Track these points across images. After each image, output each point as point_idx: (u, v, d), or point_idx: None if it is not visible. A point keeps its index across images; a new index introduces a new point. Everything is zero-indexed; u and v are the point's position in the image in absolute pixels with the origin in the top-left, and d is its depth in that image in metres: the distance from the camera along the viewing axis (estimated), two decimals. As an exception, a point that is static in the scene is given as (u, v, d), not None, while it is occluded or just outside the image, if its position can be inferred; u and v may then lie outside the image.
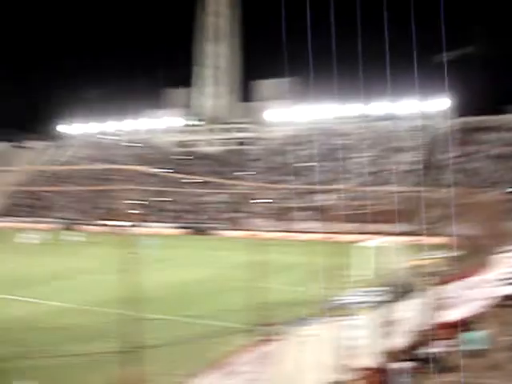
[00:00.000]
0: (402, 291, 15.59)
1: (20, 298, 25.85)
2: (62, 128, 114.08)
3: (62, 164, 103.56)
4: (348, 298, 17.19)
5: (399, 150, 79.35)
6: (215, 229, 71.78)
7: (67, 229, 72.65)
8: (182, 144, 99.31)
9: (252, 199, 72.22)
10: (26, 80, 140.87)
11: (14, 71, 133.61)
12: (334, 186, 65.70)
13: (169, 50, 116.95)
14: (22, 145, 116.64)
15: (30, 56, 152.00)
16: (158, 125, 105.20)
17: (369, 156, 78.48)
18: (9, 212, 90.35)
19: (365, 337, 11.70)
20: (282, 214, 68.12)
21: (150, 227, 69.71)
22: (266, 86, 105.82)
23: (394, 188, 60.38)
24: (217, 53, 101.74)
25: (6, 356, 9.10)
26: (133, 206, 8.05)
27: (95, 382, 13.70)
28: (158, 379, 12.84)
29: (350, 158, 79.44)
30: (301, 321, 11.19)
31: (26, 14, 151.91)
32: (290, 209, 68.13)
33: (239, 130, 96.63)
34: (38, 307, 23.76)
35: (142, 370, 8.09)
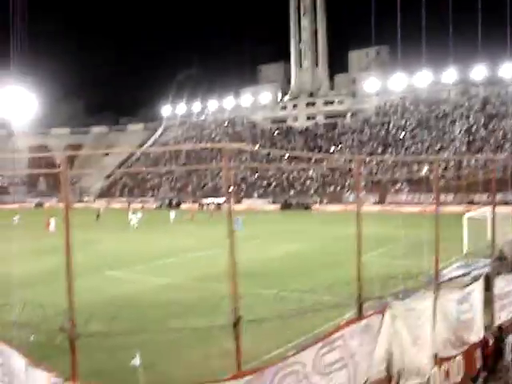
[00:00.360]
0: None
1: (124, 276, 26.85)
2: (160, 110, 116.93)
3: (161, 145, 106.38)
4: (455, 270, 16.60)
5: (503, 116, 75.48)
6: (312, 203, 71.56)
7: (167, 207, 74.62)
8: (276, 120, 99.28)
9: (346, 173, 71.29)
10: (123, 66, 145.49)
11: (113, 56, 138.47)
12: (433, 156, 63.75)
13: (262, 27, 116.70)
14: (121, 128, 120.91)
15: (128, 41, 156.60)
16: (253, 101, 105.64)
17: (468, 123, 75.28)
18: (109, 193, 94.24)
19: (473, 310, 11.23)
20: (379, 186, 66.89)
21: (247, 203, 70.62)
22: (357, 56, 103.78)
23: (498, 156, 57.70)
24: (308, 27, 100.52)
25: (114, 332, 9.42)
26: (231, 184, 8.00)
27: (200, 356, 14.00)
28: (262, 353, 12.95)
29: (448, 126, 76.56)
30: (405, 294, 10.84)
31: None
32: (389, 181, 66.82)
33: (333, 103, 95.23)
34: (143, 283, 24.59)
35: (245, 344, 8.09)
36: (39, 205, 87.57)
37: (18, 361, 8.57)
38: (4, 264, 29.30)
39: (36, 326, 9.51)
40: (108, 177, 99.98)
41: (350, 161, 69.14)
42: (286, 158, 76.67)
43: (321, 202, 71.22)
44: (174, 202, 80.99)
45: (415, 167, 68.27)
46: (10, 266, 27.02)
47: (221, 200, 72.02)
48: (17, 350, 8.37)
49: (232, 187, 8.09)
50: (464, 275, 15.04)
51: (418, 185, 62.61)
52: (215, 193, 78.50)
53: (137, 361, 10.02)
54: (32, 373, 8.40)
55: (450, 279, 13.53)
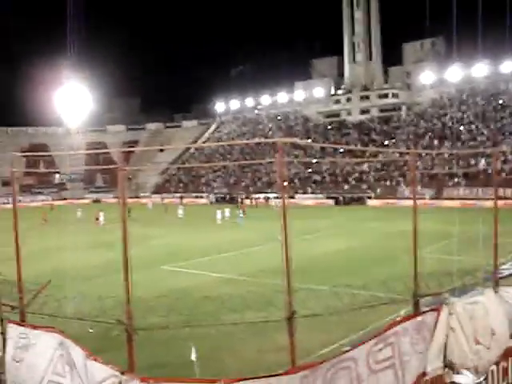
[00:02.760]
0: None
1: (177, 270, 27.24)
2: (214, 106, 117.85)
3: (215, 141, 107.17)
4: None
5: None
6: (364, 198, 70.86)
7: (220, 202, 75.11)
8: (329, 114, 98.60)
9: (401, 167, 70.23)
10: (177, 63, 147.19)
11: (164, 56, 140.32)
12: (492, 149, 62.09)
13: (315, 21, 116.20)
14: (176, 124, 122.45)
15: (182, 38, 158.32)
16: (306, 96, 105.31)
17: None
18: (164, 189, 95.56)
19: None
20: (433, 181, 65.64)
21: (301, 198, 70.47)
22: (411, 48, 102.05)
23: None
24: (361, 20, 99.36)
25: (170, 325, 9.58)
26: (285, 178, 8.01)
27: (254, 351, 14.11)
28: (316, 348, 12.93)
29: (506, 117, 74.38)
30: (462, 291, 10.61)
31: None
32: (444, 175, 65.49)
33: (387, 96, 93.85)
34: (197, 278, 24.91)
35: (299, 339, 8.10)
36: (97, 201, 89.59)
37: (77, 353, 8.81)
38: (62, 257, 30.21)
39: (95, 319, 9.74)
40: (163, 173, 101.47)
41: (406, 154, 68.17)
42: (339, 152, 76.14)
43: (375, 196, 70.43)
44: (227, 198, 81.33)
45: (472, 161, 66.70)
46: (68, 259, 27.84)
47: (273, 195, 72.37)
48: (76, 342, 8.60)
49: (286, 182, 8.09)
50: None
51: (475, 179, 61.20)
52: (269, 188, 78.70)
53: (193, 354, 10.17)
54: (91, 365, 8.62)
55: (510, 275, 13.18)
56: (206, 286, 22.51)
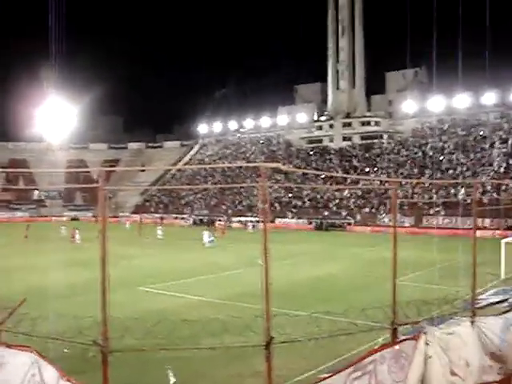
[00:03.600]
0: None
1: (155, 292, 27.00)
2: (197, 127, 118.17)
3: (197, 163, 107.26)
4: (491, 296, 16.26)
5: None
6: (344, 224, 71.11)
7: (201, 225, 74.79)
8: (312, 140, 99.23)
9: (382, 194, 70.79)
10: (161, 83, 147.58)
11: (149, 76, 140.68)
12: (471, 180, 62.87)
13: (300, 47, 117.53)
14: (158, 145, 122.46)
15: (166, 59, 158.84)
16: (289, 121, 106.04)
17: (506, 147, 73.96)
18: (144, 209, 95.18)
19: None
20: (413, 210, 66.15)
21: (281, 222, 70.53)
22: (394, 77, 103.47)
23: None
24: (345, 47, 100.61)
25: (147, 348, 9.46)
26: (267, 202, 8.01)
27: (232, 375, 13.95)
28: (293, 374, 12.84)
29: (487, 149, 75.39)
30: (440, 320, 10.63)
31: (163, 17, 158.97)
32: (424, 203, 66.01)
33: (370, 124, 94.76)
34: (175, 300, 24.69)
35: (277, 365, 8.04)
36: (75, 219, 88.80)
37: (50, 373, 8.65)
38: (38, 275, 29.79)
39: (70, 339, 9.58)
40: (143, 193, 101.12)
41: (386, 182, 68.64)
42: (321, 178, 76.53)
43: (355, 223, 70.72)
44: (205, 220, 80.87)
45: (452, 190, 67.37)
46: (44, 277, 27.46)
47: (253, 219, 72.61)
48: (50, 362, 8.45)
49: (267, 206, 8.09)
50: (502, 301, 14.70)
51: (454, 208, 61.78)
52: (249, 212, 78.73)
53: (171, 378, 10.05)
54: (64, 386, 8.47)
55: (488, 305, 13.23)
56: (184, 308, 22.31)
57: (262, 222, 8.26)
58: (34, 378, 8.73)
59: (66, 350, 10.54)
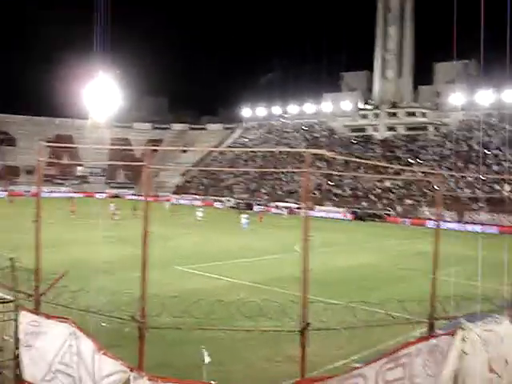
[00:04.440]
0: None
1: (193, 272, 27.26)
2: (240, 111, 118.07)
3: (239, 146, 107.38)
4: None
5: None
6: (385, 215, 70.38)
7: (239, 208, 74.95)
8: (355, 128, 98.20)
9: (426, 187, 69.75)
10: (207, 65, 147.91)
11: (195, 57, 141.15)
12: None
13: (347, 34, 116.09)
14: (201, 126, 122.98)
15: (214, 42, 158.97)
16: (333, 108, 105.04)
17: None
18: (184, 190, 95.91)
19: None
20: (455, 204, 65.04)
21: (321, 211, 70.26)
22: (443, 68, 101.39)
23: None
24: (395, 36, 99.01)
25: (182, 325, 9.57)
26: (310, 189, 8.02)
27: (265, 359, 14.02)
28: (325, 362, 12.84)
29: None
30: (476, 317, 10.46)
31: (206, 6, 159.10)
32: (467, 198, 64.87)
33: (415, 115, 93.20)
34: (212, 281, 24.91)
35: (310, 351, 8.06)
36: (116, 196, 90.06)
37: (87, 345, 8.84)
38: (80, 249, 30.42)
39: (108, 313, 9.77)
40: (184, 174, 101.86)
41: (429, 175, 67.63)
42: (363, 167, 75.83)
43: (395, 214, 69.97)
44: (243, 205, 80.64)
45: (496, 186, 65.98)
46: (85, 252, 28.02)
47: (291, 205, 72.69)
48: (87, 335, 8.63)
49: (308, 193, 8.08)
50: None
51: (498, 205, 60.52)
52: (288, 197, 78.64)
53: (205, 357, 10.15)
54: (99, 359, 8.64)
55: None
56: (221, 290, 22.48)
57: (302, 208, 8.26)
58: (70, 349, 8.95)
59: (103, 324, 10.74)
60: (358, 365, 8.48)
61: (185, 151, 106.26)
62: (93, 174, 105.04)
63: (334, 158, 76.56)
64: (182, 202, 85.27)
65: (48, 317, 9.35)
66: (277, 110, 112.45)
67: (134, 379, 8.04)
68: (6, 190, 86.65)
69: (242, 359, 14.20)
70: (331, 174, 79.71)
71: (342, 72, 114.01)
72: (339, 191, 79.77)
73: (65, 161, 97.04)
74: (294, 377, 8.24)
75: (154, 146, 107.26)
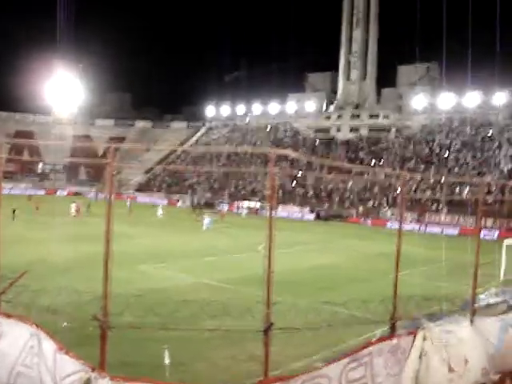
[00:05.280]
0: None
1: (156, 271, 27.09)
2: (204, 110, 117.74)
3: (203, 145, 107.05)
4: (491, 297, 16.25)
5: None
6: (346, 216, 71.07)
7: (201, 207, 74.76)
8: (319, 129, 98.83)
9: (387, 188, 70.68)
10: (172, 63, 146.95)
11: (160, 54, 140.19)
12: (476, 179, 62.62)
13: (313, 35, 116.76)
14: (165, 124, 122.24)
15: (178, 39, 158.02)
16: (298, 109, 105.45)
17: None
18: (147, 188, 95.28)
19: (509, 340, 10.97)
20: (416, 205, 66.04)
21: (282, 211, 70.56)
22: (406, 71, 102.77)
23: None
24: (359, 38, 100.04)
25: (146, 325, 9.50)
26: (275, 189, 8.01)
27: (228, 359, 13.97)
28: (288, 361, 12.87)
29: (493, 149, 75.07)
30: (439, 317, 10.65)
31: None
32: (426, 200, 65.91)
33: (378, 117, 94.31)
34: (176, 280, 24.79)
35: (272, 350, 8.07)
36: (77, 193, 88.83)
37: (48, 345, 8.70)
38: (41, 248, 29.91)
39: (70, 313, 9.64)
40: (147, 172, 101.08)
41: (391, 176, 68.48)
42: (326, 168, 76.36)
43: (357, 215, 70.69)
44: (205, 204, 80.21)
45: (457, 189, 67.22)
46: (46, 251, 27.56)
47: (254, 204, 72.98)
48: (49, 335, 8.49)
49: (274, 193, 8.09)
50: (501, 303, 14.71)
51: (457, 206, 61.67)
52: (252, 197, 78.79)
53: (166, 357, 10.11)
54: (61, 358, 8.51)
55: (487, 305, 13.25)
56: (185, 289, 22.40)
57: (266, 208, 8.27)
58: (32, 350, 8.79)
59: (65, 324, 10.60)
60: (321, 364, 8.54)
61: (148, 149, 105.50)
62: (54, 171, 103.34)
63: (297, 159, 76.82)
64: (144, 200, 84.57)
65: (8, 317, 9.17)
66: (241, 109, 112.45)
67: (95, 379, 7.95)
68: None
69: (205, 358, 14.14)
70: (294, 175, 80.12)
71: (307, 73, 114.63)
72: (302, 191, 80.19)
73: (25, 157, 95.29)
74: (258, 376, 8.26)
75: (117, 143, 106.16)
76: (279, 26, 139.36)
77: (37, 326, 8.68)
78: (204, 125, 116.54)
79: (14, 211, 42.39)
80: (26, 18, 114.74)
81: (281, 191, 78.22)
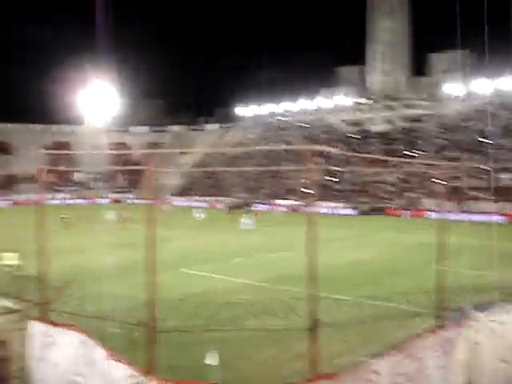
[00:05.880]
0: None
1: (198, 274, 27.22)
2: (236, 110, 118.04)
3: (237, 145, 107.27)
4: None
5: None
6: (385, 209, 70.35)
7: (238, 208, 74.88)
8: (353, 122, 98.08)
9: (425, 178, 69.71)
10: (202, 65, 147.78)
11: (192, 57, 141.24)
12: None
13: (340, 28, 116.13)
14: (199, 127, 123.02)
15: (207, 42, 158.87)
16: (330, 103, 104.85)
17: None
18: (184, 191, 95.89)
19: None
20: (456, 194, 64.97)
21: (322, 207, 70.24)
22: (438, 59, 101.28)
23: None
24: (388, 28, 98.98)
25: (191, 329, 9.55)
26: (308, 186, 7.97)
27: (274, 357, 13.90)
28: (334, 357, 12.77)
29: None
30: (485, 307, 10.44)
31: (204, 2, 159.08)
32: (467, 188, 64.80)
33: (412, 107, 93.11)
34: (217, 282, 24.85)
35: (320, 347, 8.02)
36: (117, 201, 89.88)
37: (98, 352, 8.82)
38: (86, 256, 30.36)
39: (116, 319, 9.75)
40: (184, 175, 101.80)
41: (429, 166, 67.47)
42: (362, 161, 75.79)
43: (397, 207, 69.93)
44: (241, 203, 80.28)
45: (498, 175, 65.92)
46: (91, 259, 27.97)
47: (292, 202, 72.78)
48: (97, 342, 8.61)
49: (311, 190, 8.04)
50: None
51: (499, 194, 60.47)
52: (288, 195, 78.65)
53: (213, 358, 10.12)
54: (110, 364, 8.62)
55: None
56: (226, 290, 22.43)
57: (306, 205, 8.24)
58: (82, 358, 8.94)
59: (113, 330, 10.72)
60: (369, 360, 8.45)
61: (184, 153, 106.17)
62: (93, 180, 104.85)
63: (333, 154, 76.40)
64: (182, 203, 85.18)
65: (57, 326, 9.33)
66: (273, 107, 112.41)
67: (145, 383, 8.03)
68: (9, 199, 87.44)
69: (250, 359, 14.12)
70: (331, 170, 79.68)
71: (338, 67, 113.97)
72: (339, 186, 79.72)
73: (64, 167, 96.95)
74: (304, 374, 8.21)
75: (153, 149, 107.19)
76: (307, 22, 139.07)
77: (85, 333, 8.82)
78: (237, 125, 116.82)
79: (63, 218, 45.55)
80: (58, 30, 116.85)
81: (319, 187, 77.93)
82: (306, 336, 7.96)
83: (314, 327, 7.80)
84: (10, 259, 23.03)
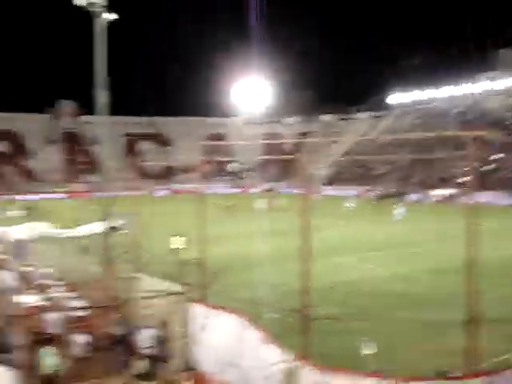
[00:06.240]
0: None
1: (350, 263, 27.14)
2: (389, 97, 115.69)
3: (388, 133, 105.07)
4: None
5: None
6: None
7: (389, 197, 73.43)
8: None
9: None
10: (353, 54, 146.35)
11: (340, 47, 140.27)
12: None
13: (500, 10, 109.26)
14: (349, 116, 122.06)
15: (357, 31, 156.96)
16: (488, 88, 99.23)
17: None
18: (335, 181, 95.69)
19: None
20: None
21: (479, 196, 66.77)
22: None
23: None
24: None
25: (345, 317, 9.60)
26: (467, 174, 7.70)
27: (428, 351, 13.47)
28: (493, 354, 12.15)
29: None
30: None
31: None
32: None
33: None
34: (364, 272, 24.65)
35: (475, 342, 7.74)
36: (269, 190, 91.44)
37: (253, 336, 9.17)
38: (240, 244, 31.47)
39: (270, 305, 10.06)
40: (333, 165, 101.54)
41: None
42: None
43: None
44: (393, 194, 78.31)
45: None
46: (245, 246, 28.96)
47: (447, 192, 69.93)
48: (254, 326, 8.95)
49: (470, 178, 7.75)
50: None
51: None
52: (442, 183, 75.75)
53: (365, 348, 10.10)
54: (265, 348, 8.93)
55: None
56: (376, 281, 22.20)
57: (460, 195, 7.95)
58: (240, 340, 9.35)
59: (270, 315, 11.04)
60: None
61: (334, 141, 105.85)
62: (245, 170, 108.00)
63: (492, 141, 72.44)
64: (332, 192, 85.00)
65: (217, 309, 9.82)
66: (426, 93, 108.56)
67: (298, 369, 8.23)
68: (168, 189, 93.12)
69: (403, 352, 13.81)
70: (491, 157, 75.58)
71: (498, 49, 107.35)
72: (501, 174, 75.25)
73: (220, 158, 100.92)
74: (459, 369, 7.97)
75: (304, 138, 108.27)
76: (463, 4, 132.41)
77: (244, 316, 9.19)
78: (389, 113, 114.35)
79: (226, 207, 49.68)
80: (214, 26, 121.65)
81: (477, 175, 74.30)
82: (464, 331, 7.72)
83: (472, 321, 7.54)
84: (178, 243, 24.65)
